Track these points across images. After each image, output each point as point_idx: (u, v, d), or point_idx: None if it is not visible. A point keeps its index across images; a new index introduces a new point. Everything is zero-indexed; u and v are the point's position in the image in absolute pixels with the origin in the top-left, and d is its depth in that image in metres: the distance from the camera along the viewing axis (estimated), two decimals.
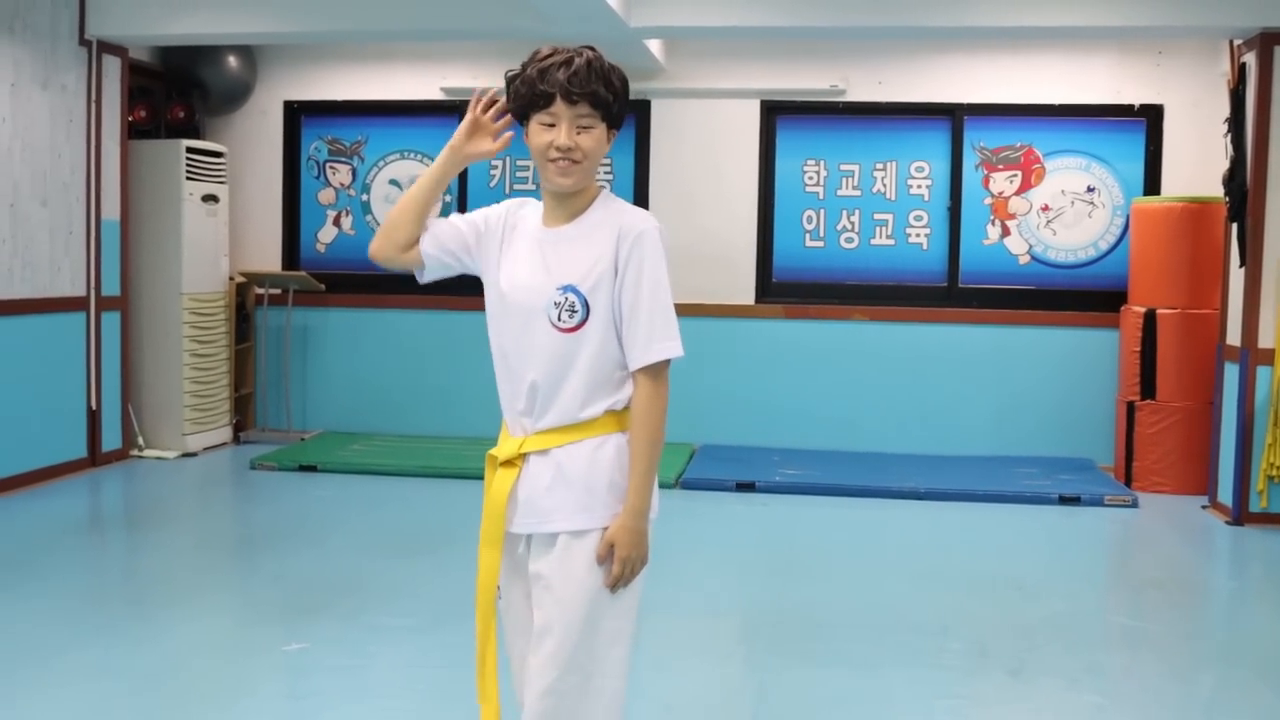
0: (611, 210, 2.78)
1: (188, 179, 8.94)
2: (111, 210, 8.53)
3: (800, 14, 7.62)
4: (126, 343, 8.73)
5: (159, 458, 8.81)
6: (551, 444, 2.73)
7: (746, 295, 9.39)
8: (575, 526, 2.70)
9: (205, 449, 9.14)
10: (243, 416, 9.80)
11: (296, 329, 9.71)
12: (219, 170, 9.32)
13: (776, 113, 9.40)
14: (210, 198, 9.19)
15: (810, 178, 9.36)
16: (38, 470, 7.83)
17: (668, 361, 2.75)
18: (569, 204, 2.78)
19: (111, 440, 8.57)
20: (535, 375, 2.73)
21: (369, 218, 9.81)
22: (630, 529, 2.69)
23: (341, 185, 9.86)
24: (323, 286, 9.53)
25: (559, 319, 2.70)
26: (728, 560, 6.55)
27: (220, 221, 9.35)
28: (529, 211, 2.87)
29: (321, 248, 9.90)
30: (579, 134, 2.70)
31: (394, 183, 9.75)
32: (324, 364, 9.75)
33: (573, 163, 2.70)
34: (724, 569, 6.37)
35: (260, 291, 9.64)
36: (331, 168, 9.87)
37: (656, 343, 2.72)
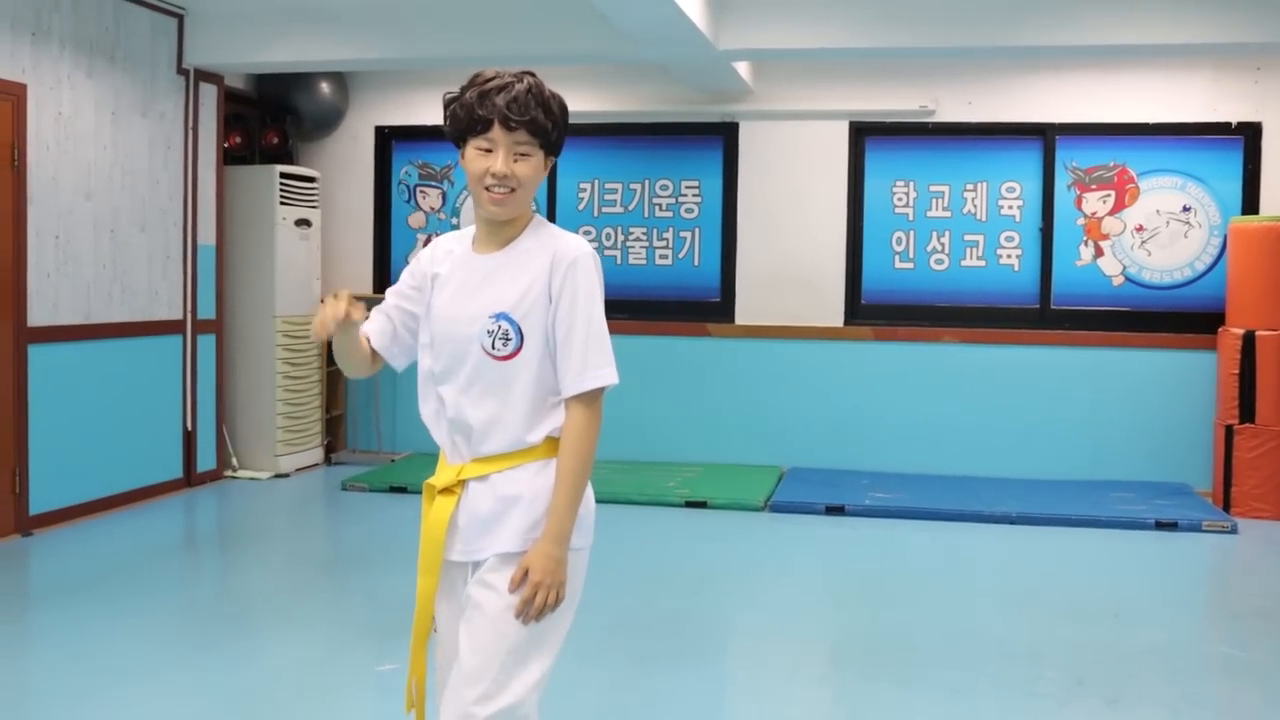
0: (543, 236, 2.75)
1: (281, 204, 9.08)
2: (207, 235, 8.68)
3: (889, 35, 7.58)
4: (221, 365, 8.87)
5: (252, 478, 8.94)
6: (491, 469, 2.70)
7: (835, 317, 9.34)
8: (514, 548, 2.68)
9: (297, 470, 9.26)
10: (334, 438, 9.91)
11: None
12: (311, 195, 9.45)
13: (865, 134, 9.35)
14: (303, 222, 9.32)
15: (899, 199, 9.30)
16: (135, 490, 7.97)
17: (602, 390, 2.71)
18: (501, 231, 2.75)
19: (206, 461, 8.70)
20: (472, 404, 2.70)
21: None
22: (546, 554, 2.65)
23: (431, 209, 9.96)
24: None
25: (493, 347, 2.67)
26: (818, 584, 6.50)
27: (312, 245, 9.48)
28: (456, 242, 2.84)
29: None
30: (516, 162, 2.67)
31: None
32: (413, 386, 9.80)
33: (509, 191, 2.67)
34: (814, 593, 6.32)
35: None
36: (421, 191, 9.97)
37: (590, 370, 2.69)
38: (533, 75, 2.70)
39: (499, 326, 2.67)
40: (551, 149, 2.74)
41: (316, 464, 9.55)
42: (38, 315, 7.13)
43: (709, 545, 7.24)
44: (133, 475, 7.98)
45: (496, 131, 2.64)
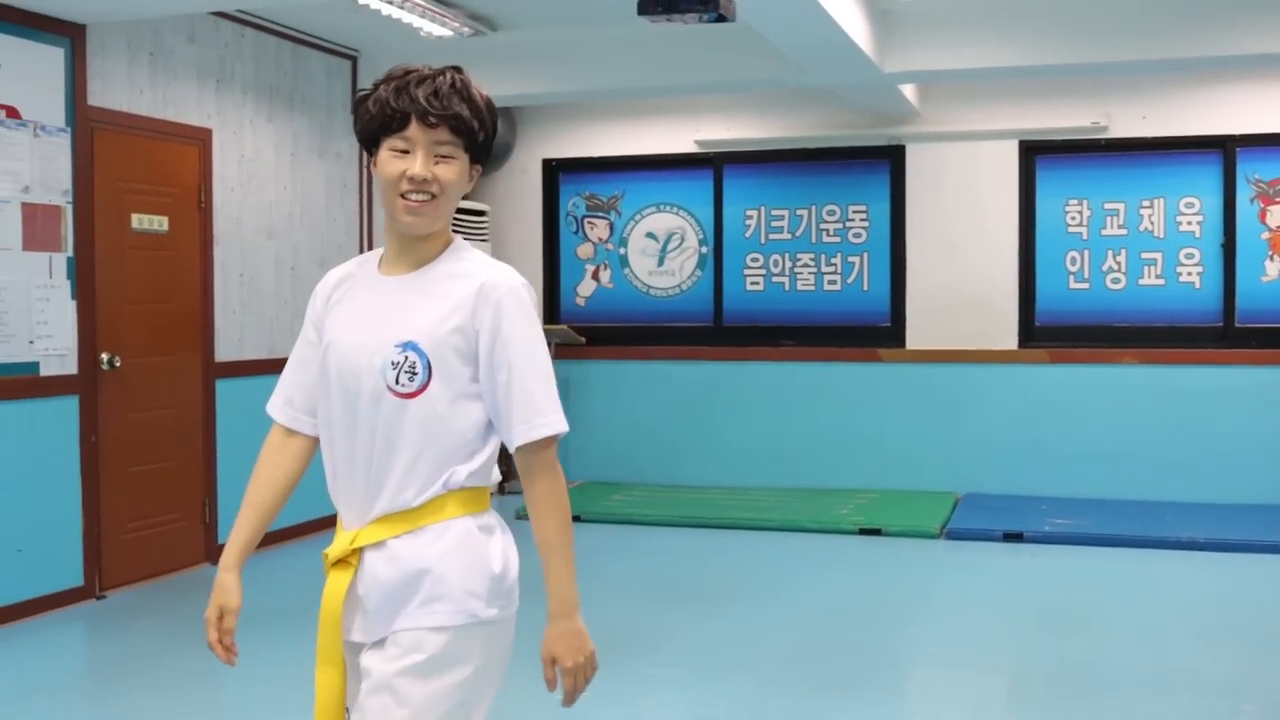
0: (464, 262, 2.36)
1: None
2: None
3: (1058, 52, 7.44)
4: None
5: None
6: (388, 534, 2.31)
7: (1009, 340, 9.16)
8: (422, 624, 2.29)
9: None
10: (508, 467, 10.00)
11: (559, 382, 9.89)
12: (482, 228, 9.62)
13: (1035, 152, 9.17)
14: None
15: (1073, 218, 9.10)
16: (317, 520, 8.16)
17: (554, 439, 2.35)
18: (416, 250, 2.37)
19: None
20: (366, 451, 2.31)
21: (627, 271, 9.96)
22: (566, 633, 2.35)
23: (600, 240, 10.05)
24: (583, 339, 9.72)
25: (396, 381, 2.28)
26: (997, 613, 6.36)
27: None
28: (356, 265, 2.48)
29: (581, 301, 10.10)
30: (437, 164, 2.30)
31: (651, 235, 9.89)
32: (585, 415, 9.92)
33: (428, 199, 2.28)
34: (993, 622, 6.19)
35: None
36: (589, 223, 10.08)
37: (539, 417, 2.31)
38: (459, 70, 2.35)
39: (405, 358, 2.27)
40: (478, 154, 2.35)
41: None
42: (224, 350, 7.38)
43: (884, 573, 7.15)
44: (315, 505, 8.15)
45: (414, 129, 2.28)
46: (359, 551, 2.33)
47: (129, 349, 6.69)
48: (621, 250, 10.01)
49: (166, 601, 6.51)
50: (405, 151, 2.29)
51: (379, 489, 2.30)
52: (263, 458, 2.58)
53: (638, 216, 9.96)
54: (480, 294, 2.29)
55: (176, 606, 6.44)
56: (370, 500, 2.31)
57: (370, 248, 8.69)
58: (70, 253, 6.30)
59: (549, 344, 9.13)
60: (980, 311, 9.18)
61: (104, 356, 6.51)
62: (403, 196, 2.29)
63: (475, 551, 2.34)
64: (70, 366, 6.29)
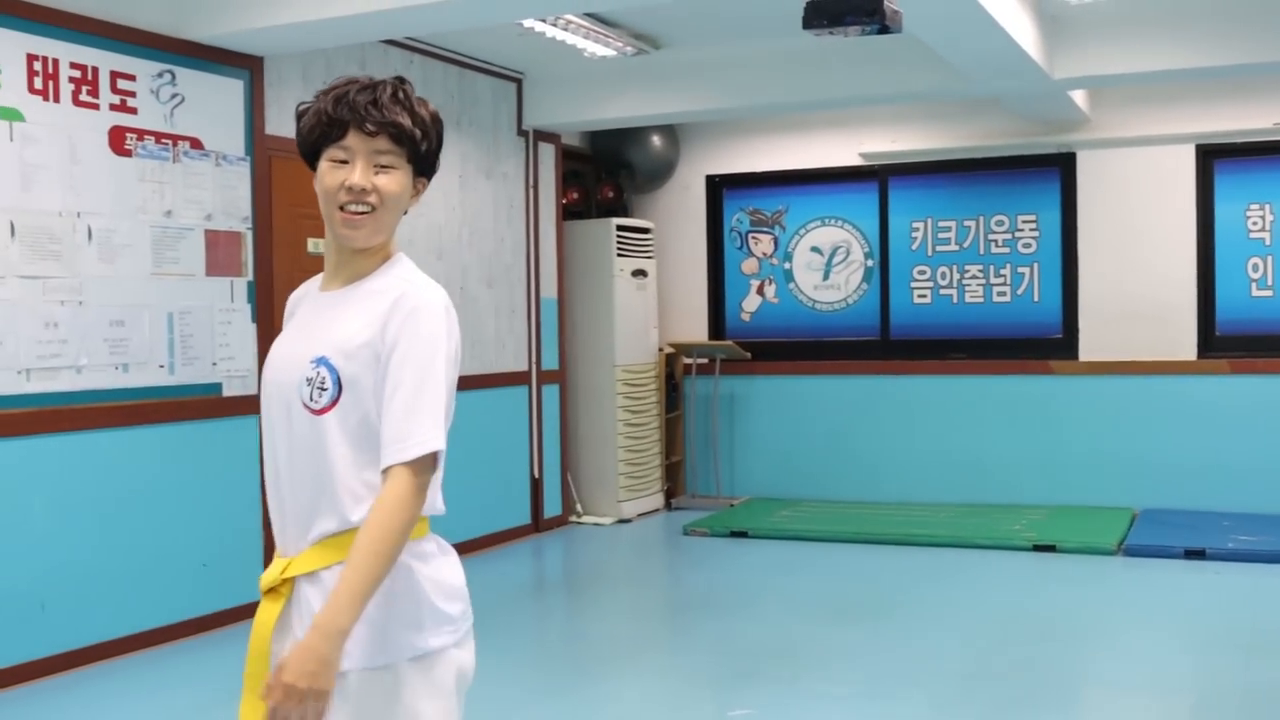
0: (396, 278, 2.27)
1: (618, 255, 9.33)
2: (549, 289, 9.00)
3: (1235, 52, 7.19)
4: (565, 414, 9.16)
5: (596, 524, 9.17)
6: (321, 564, 2.20)
7: (1188, 351, 8.88)
8: (358, 665, 2.16)
9: (639, 515, 9.44)
10: (673, 483, 10.07)
11: (724, 397, 9.91)
12: (647, 245, 9.67)
13: (1213, 156, 8.88)
14: (639, 272, 9.54)
15: (1254, 223, 8.78)
16: (488, 535, 8.30)
17: (432, 458, 2.19)
18: (353, 264, 2.30)
19: (553, 507, 8.99)
20: (290, 474, 2.23)
21: (792, 285, 9.93)
22: (308, 651, 2.05)
23: (764, 254, 10.03)
24: (748, 355, 9.70)
25: (310, 398, 2.20)
26: (1179, 633, 6.15)
27: (649, 294, 9.69)
28: (312, 283, 2.41)
29: (746, 316, 10.08)
30: (377, 174, 2.23)
31: (816, 249, 9.84)
32: (751, 431, 9.90)
33: (367, 211, 2.22)
34: (1175, 643, 5.99)
35: (688, 361, 9.92)
36: (754, 238, 10.06)
37: (415, 436, 2.15)
38: (403, 81, 2.30)
39: (317, 373, 2.20)
40: (421, 166, 2.29)
41: (657, 509, 9.72)
42: None
43: (1060, 590, 6.98)
44: (486, 521, 8.31)
45: (353, 137, 2.22)
46: (293, 581, 2.23)
47: None
48: (786, 265, 9.97)
49: None
50: (344, 162, 2.23)
51: (309, 513, 2.22)
52: None
53: (802, 231, 9.92)
54: (394, 308, 2.20)
55: None
56: (302, 525, 2.22)
57: (538, 269, 8.81)
58: (250, 277, 6.51)
59: (713, 359, 9.09)
60: (1157, 321, 8.92)
61: None
62: (341, 209, 2.23)
63: (409, 583, 2.22)
64: (250, 388, 6.49)
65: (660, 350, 9.90)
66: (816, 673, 5.35)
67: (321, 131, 2.24)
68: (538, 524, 8.83)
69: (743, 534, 8.49)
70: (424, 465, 2.18)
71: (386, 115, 2.22)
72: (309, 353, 2.22)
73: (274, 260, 6.66)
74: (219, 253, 6.33)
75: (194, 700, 5.17)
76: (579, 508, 9.31)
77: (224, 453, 6.35)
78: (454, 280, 8.02)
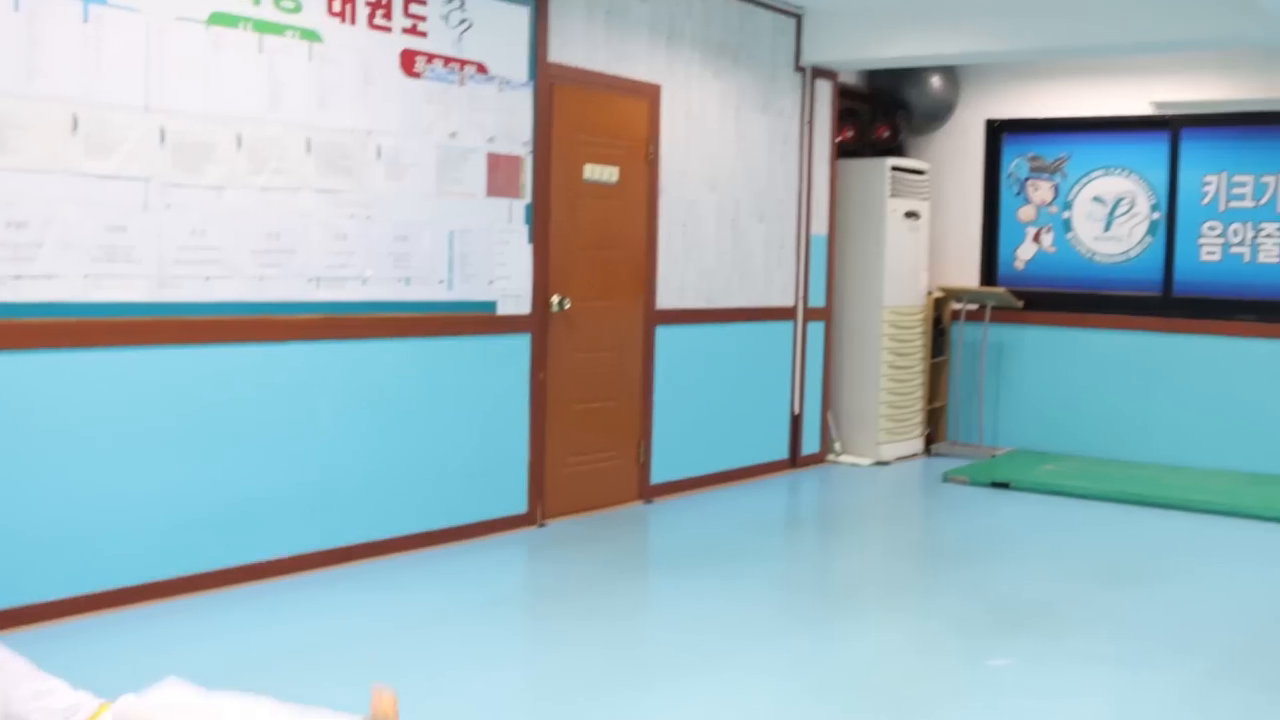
0: None
1: (891, 196, 9.16)
2: (820, 226, 8.92)
3: None
4: (829, 352, 9.09)
5: (853, 464, 9.10)
6: None
7: None
8: None
9: (897, 459, 9.33)
10: (934, 429, 9.90)
11: (992, 345, 9.67)
12: (921, 187, 9.48)
13: None
14: (912, 214, 9.37)
15: None
16: (744, 468, 8.33)
17: None
18: None
19: (810, 444, 8.96)
20: None
21: (1070, 235, 9.59)
22: None
23: (1042, 202, 9.71)
24: (1020, 303, 9.44)
25: None
26: None
27: (921, 237, 9.51)
28: None
29: (1020, 265, 9.80)
30: None
31: (1098, 199, 9.47)
32: (1018, 381, 9.64)
33: None
34: None
35: (957, 307, 9.71)
36: (1032, 184, 9.74)
37: None
38: None
39: None
40: None
41: (916, 454, 9.58)
42: (665, 299, 7.60)
43: None
44: (742, 454, 8.34)
45: None
46: None
47: (577, 293, 7.00)
48: (1065, 214, 9.63)
49: (601, 533, 6.80)
50: None
51: None
52: None
53: (1085, 179, 9.55)
54: None
55: (610, 539, 6.72)
56: None
57: (809, 205, 8.73)
58: (528, 200, 6.64)
59: (983, 306, 8.89)
60: None
61: (555, 299, 6.83)
62: None
63: None
64: (524, 307, 6.65)
65: (929, 294, 9.71)
66: (1080, 631, 5.19)
67: None
68: (795, 460, 8.81)
69: (1004, 485, 8.29)
70: None
71: None
72: None
73: (551, 184, 6.77)
74: (499, 175, 6.47)
75: (453, 601, 5.36)
76: (837, 447, 9.26)
77: (496, 368, 6.53)
78: (726, 213, 8.03)
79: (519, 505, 6.72)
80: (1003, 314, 9.55)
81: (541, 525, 6.82)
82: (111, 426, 4.97)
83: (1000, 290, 9.48)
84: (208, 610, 5.08)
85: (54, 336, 4.77)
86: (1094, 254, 9.50)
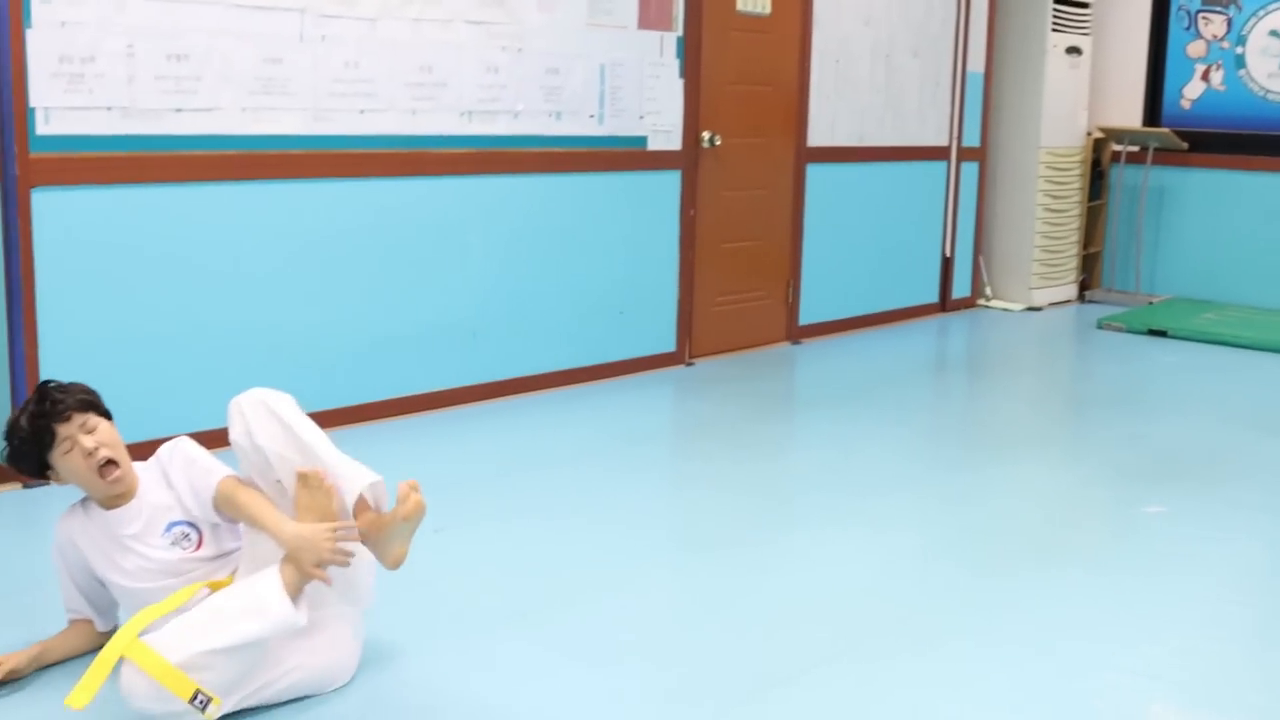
0: (148, 466, 3.16)
1: (1052, 30, 8.82)
2: (976, 63, 8.64)
3: None
4: (982, 194, 8.87)
5: (1004, 309, 8.94)
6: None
7: None
8: None
9: (1050, 304, 9.14)
10: (1089, 276, 9.65)
11: (1153, 189, 9.34)
12: (1084, 21, 9.10)
13: None
14: (1073, 50, 9.01)
15: None
16: (893, 311, 8.24)
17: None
18: (121, 485, 3.06)
19: (961, 288, 8.81)
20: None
21: (1243, 73, 9.14)
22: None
23: (1214, 37, 9.25)
24: (1185, 145, 9.07)
25: (184, 548, 3.06)
26: None
27: (1082, 75, 9.16)
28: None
29: (1186, 104, 9.39)
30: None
31: (1274, 34, 8.99)
32: (1179, 227, 9.32)
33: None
34: None
35: (1118, 148, 9.37)
36: (1204, 18, 9.28)
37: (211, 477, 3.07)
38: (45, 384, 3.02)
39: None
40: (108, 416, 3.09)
41: (1069, 300, 9.37)
42: (816, 136, 7.46)
43: None
44: (891, 296, 8.24)
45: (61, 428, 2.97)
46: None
47: (728, 129, 6.89)
48: (1239, 49, 9.17)
49: (748, 373, 6.79)
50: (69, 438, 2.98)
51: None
52: None
53: (1261, 12, 9.06)
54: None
55: (757, 378, 6.72)
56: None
57: (966, 41, 8.45)
58: (680, 32, 6.51)
59: (1145, 148, 8.60)
60: None
61: (705, 135, 6.74)
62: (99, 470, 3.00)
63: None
64: (674, 143, 6.57)
65: (1088, 135, 9.38)
66: (1239, 481, 5.06)
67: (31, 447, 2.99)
68: (945, 304, 8.68)
69: (1161, 333, 8.07)
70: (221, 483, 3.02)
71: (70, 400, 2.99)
72: (160, 527, 3.05)
73: (703, 16, 6.63)
74: (651, 6, 6.35)
75: (600, 437, 5.42)
76: (988, 291, 9.09)
77: (645, 205, 6.49)
78: (880, 48, 7.81)
79: (667, 344, 6.73)
80: (1166, 156, 9.20)
81: (689, 364, 6.84)
82: (266, 260, 5.06)
83: (1164, 131, 9.11)
84: (356, 443, 5.20)
85: (214, 170, 4.84)
86: (1267, 93, 9.06)
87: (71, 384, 3.03)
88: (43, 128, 4.39)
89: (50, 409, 2.94)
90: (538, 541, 4.16)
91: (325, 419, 5.26)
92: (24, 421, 2.95)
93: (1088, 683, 3.20)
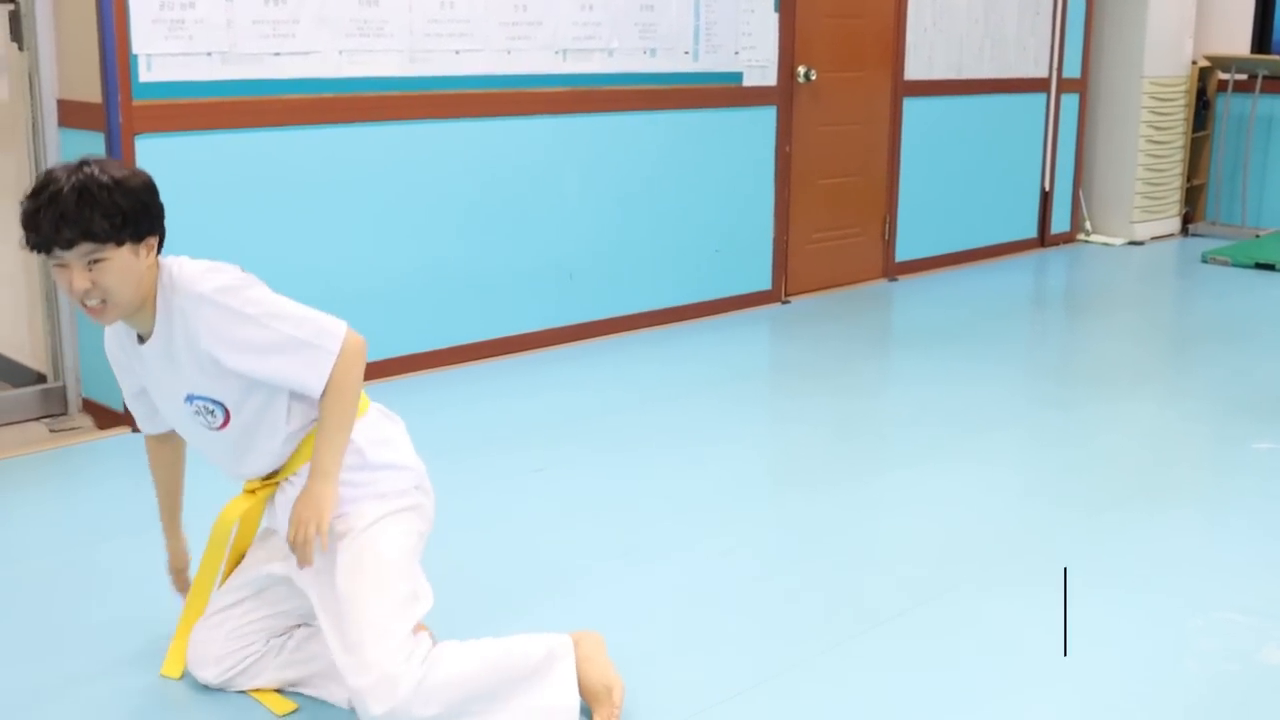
0: (169, 310, 2.51)
1: None
2: None
3: None
4: (1082, 126, 8.70)
5: (1105, 244, 8.78)
6: (302, 463, 2.64)
7: None
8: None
9: (1152, 238, 8.96)
10: (1192, 208, 9.44)
11: (1261, 118, 9.09)
12: None
13: None
14: None
15: None
16: (991, 246, 8.13)
17: (340, 344, 2.52)
18: (134, 322, 2.57)
19: (1060, 223, 8.66)
20: (229, 462, 2.70)
21: None
22: (310, 493, 2.53)
23: None
24: None
25: (207, 423, 2.61)
26: None
27: (1188, 2, 8.91)
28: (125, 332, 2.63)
29: None
30: (91, 270, 2.39)
31: None
32: (1275, 160, 9.07)
33: (98, 303, 2.44)
34: None
35: (1224, 77, 9.12)
36: None
37: (319, 360, 2.51)
38: (87, 167, 2.37)
39: (202, 405, 2.59)
40: (135, 238, 2.43)
41: (1172, 234, 9.18)
42: (913, 69, 7.35)
43: None
44: (989, 231, 8.12)
45: (58, 253, 2.39)
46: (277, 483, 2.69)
47: (824, 64, 6.81)
48: None
49: (845, 310, 6.75)
50: (64, 265, 2.40)
51: (256, 471, 2.69)
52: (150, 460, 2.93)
53: None
54: (192, 338, 2.49)
55: (854, 315, 6.67)
56: (268, 467, 2.69)
57: None
58: None
59: (1254, 76, 8.35)
60: None
61: (801, 70, 6.67)
62: (83, 304, 2.46)
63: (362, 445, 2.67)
64: (770, 78, 6.51)
65: (1194, 63, 9.14)
66: None
67: (35, 250, 2.41)
68: (1044, 239, 8.55)
69: (1269, 267, 7.88)
70: (349, 348, 2.52)
71: (75, 228, 2.34)
72: (179, 394, 2.59)
73: None
74: None
75: (697, 376, 5.42)
76: (1088, 225, 8.93)
77: (741, 142, 6.44)
78: None
79: (764, 282, 6.70)
80: (1275, 84, 8.94)
81: (785, 302, 6.80)
82: (366, 203, 5.10)
83: (1274, 58, 8.85)
84: (455, 383, 5.26)
85: (312, 113, 4.88)
86: None
87: (117, 180, 2.39)
88: (145, 75, 4.44)
89: (55, 231, 2.36)
90: (638, 478, 4.18)
91: (422, 360, 5.34)
92: (38, 212, 2.36)
93: (1197, 621, 3.16)
